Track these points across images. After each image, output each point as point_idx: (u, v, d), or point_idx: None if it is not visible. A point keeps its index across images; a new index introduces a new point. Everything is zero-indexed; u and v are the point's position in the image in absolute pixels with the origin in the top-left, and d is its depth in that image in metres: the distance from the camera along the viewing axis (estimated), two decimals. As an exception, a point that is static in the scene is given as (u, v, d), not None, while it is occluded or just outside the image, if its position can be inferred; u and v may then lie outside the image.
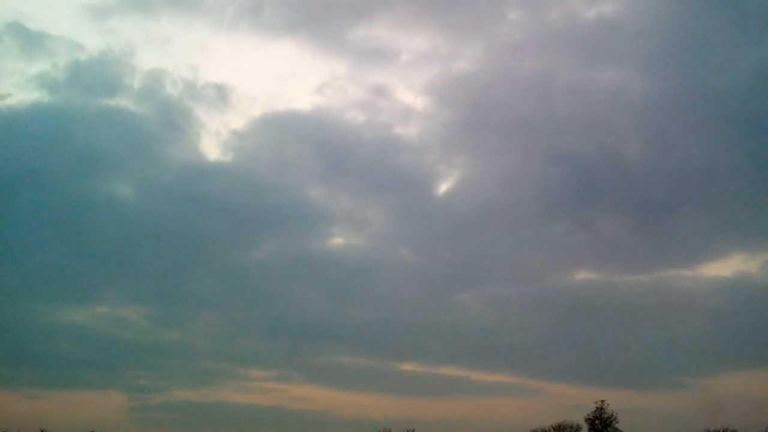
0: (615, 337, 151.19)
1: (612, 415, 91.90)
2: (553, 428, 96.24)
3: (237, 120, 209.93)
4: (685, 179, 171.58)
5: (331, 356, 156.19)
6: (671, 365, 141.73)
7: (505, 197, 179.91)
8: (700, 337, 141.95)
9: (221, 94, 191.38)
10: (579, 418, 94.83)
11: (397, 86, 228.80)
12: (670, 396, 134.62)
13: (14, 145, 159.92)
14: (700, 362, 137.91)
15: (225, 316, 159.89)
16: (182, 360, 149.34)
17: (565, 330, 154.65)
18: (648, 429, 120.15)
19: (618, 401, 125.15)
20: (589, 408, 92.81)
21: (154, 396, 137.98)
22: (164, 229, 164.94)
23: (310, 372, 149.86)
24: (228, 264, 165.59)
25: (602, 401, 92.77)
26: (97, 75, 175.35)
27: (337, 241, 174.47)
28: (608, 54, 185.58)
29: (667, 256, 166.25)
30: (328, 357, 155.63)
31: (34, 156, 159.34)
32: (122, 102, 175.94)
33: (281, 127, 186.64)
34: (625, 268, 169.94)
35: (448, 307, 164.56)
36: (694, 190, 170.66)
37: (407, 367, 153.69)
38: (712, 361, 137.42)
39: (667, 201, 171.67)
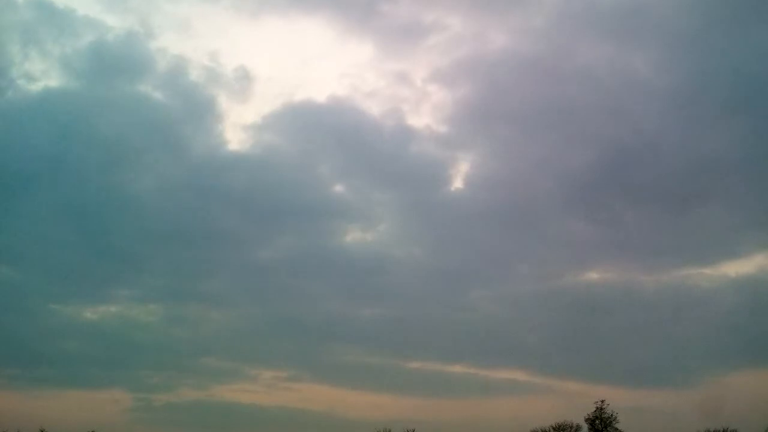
0: (632, 336, 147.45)
1: (612, 415, 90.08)
2: (553, 428, 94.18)
3: (258, 110, 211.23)
4: (711, 171, 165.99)
5: (343, 355, 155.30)
6: (690, 364, 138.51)
7: (522, 191, 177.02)
8: (720, 335, 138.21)
9: (243, 82, 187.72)
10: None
11: (422, 72, 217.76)
12: (687, 394, 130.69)
13: (34, 133, 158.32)
14: (719, 361, 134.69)
15: (236, 315, 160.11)
16: (192, 359, 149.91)
17: (580, 329, 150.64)
18: (662, 427, 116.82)
19: (633, 400, 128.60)
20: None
21: (159, 396, 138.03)
22: (181, 224, 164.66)
23: (321, 371, 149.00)
24: (242, 261, 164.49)
25: (602, 401, 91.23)
26: (118, 59, 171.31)
27: (352, 237, 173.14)
28: (636, 37, 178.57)
29: (688, 253, 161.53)
30: (339, 356, 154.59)
31: (54, 146, 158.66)
32: (143, 88, 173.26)
33: (302, 119, 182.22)
34: (644, 266, 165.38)
35: (460, 304, 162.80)
36: (720, 183, 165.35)
37: (419, 365, 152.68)
38: (732, 360, 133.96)
39: (690, 194, 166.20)
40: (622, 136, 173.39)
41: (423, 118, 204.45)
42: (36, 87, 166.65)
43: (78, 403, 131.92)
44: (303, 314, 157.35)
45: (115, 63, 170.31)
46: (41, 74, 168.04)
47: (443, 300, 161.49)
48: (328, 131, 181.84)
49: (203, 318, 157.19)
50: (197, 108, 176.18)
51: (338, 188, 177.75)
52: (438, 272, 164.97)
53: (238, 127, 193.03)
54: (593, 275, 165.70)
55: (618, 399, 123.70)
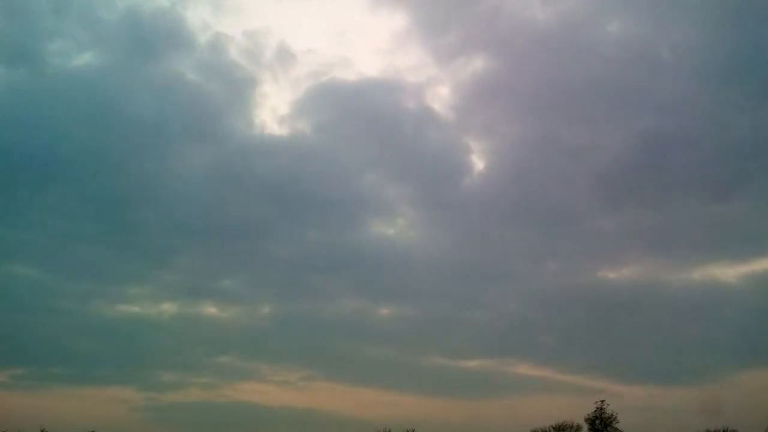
0: (657, 335, 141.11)
1: (612, 415, 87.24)
2: (553, 428, 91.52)
3: (292, 93, 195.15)
4: (750, 158, 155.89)
5: (360, 354, 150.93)
6: (720, 362, 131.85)
7: (547, 181, 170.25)
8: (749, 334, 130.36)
9: (279, 63, 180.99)
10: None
11: (457, 47, 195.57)
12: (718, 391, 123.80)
13: (61, 117, 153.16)
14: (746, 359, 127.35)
15: (253, 313, 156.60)
16: (205, 358, 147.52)
17: (604, 327, 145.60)
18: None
19: (660, 397, 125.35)
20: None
21: (169, 394, 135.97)
22: (208, 216, 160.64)
23: (336, 370, 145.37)
24: (261, 257, 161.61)
25: (602, 401, 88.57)
26: (154, 34, 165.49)
27: (375, 232, 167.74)
28: (672, 15, 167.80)
29: (719, 248, 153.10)
30: (356, 355, 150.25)
31: (82, 130, 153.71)
32: (180, 67, 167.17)
33: (335, 104, 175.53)
34: (672, 262, 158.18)
35: (481, 301, 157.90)
36: (760, 171, 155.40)
37: (440, 362, 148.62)
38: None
39: (726, 184, 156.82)
40: (655, 119, 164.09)
41: (452, 101, 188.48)
42: (67, 64, 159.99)
43: (88, 402, 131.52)
44: (320, 312, 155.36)
45: (151, 38, 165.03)
46: (73, 50, 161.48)
47: (462, 296, 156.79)
48: (360, 117, 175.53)
49: (219, 316, 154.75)
50: (234, 89, 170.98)
51: (365, 180, 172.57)
52: (459, 267, 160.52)
53: (272, 112, 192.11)
54: (619, 272, 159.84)
55: (645, 397, 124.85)
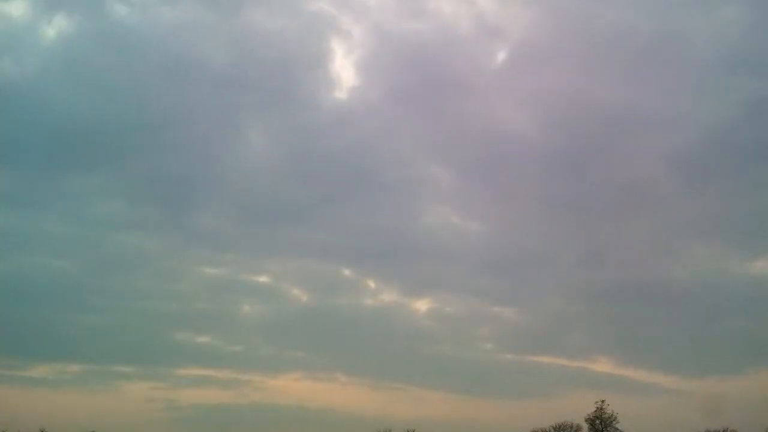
0: (715, 328, 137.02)
1: (612, 415, 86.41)
2: (553, 428, 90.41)
3: (366, 49, 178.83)
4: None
5: (392, 349, 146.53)
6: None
7: (612, 164, 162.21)
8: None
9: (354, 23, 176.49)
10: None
11: None
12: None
13: (126, 79, 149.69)
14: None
15: (285, 309, 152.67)
16: (226, 357, 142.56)
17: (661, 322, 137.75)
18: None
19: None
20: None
21: (187, 393, 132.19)
22: (264, 203, 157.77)
23: (363, 369, 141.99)
24: (302, 245, 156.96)
25: (602, 401, 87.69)
26: None
27: (420, 220, 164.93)
28: None
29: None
30: (387, 351, 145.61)
31: (143, 99, 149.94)
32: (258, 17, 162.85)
33: (406, 62, 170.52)
34: (741, 252, 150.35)
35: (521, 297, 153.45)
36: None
37: (476, 357, 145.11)
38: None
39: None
40: (749, 85, 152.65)
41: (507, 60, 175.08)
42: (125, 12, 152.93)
43: (105, 401, 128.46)
44: (355, 305, 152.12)
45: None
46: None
47: (502, 291, 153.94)
48: (432, 89, 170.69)
49: (249, 313, 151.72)
50: (311, 41, 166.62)
51: (424, 164, 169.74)
52: (501, 260, 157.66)
53: (343, 75, 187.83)
54: (678, 266, 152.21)
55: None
